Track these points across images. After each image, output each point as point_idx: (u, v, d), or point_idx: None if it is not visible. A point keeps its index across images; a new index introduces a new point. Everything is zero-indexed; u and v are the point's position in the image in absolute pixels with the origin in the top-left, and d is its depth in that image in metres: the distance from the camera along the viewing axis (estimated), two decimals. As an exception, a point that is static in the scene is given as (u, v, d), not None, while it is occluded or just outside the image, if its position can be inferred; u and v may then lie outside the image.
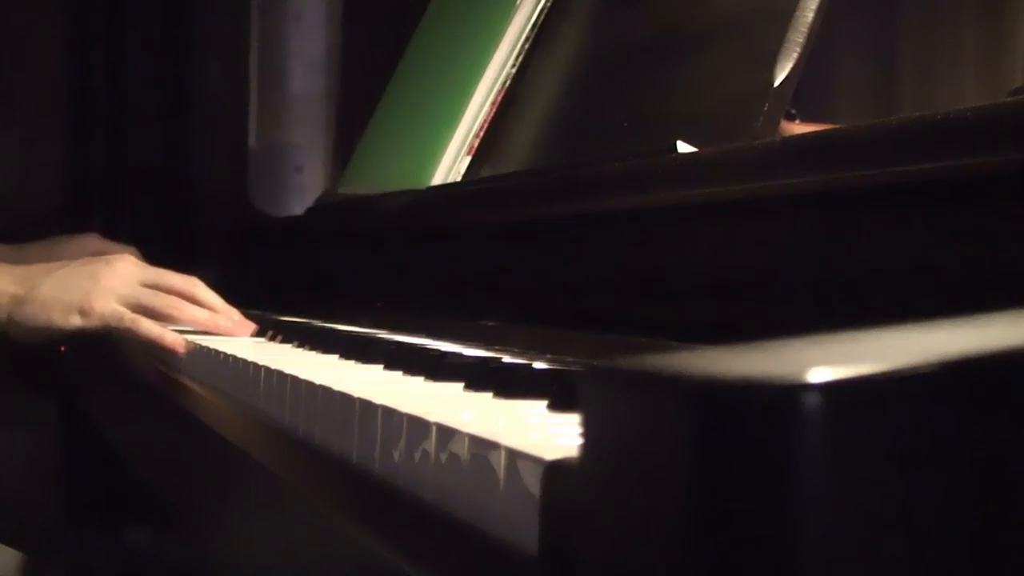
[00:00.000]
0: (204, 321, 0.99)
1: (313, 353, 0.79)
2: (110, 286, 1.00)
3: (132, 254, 1.13)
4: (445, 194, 1.00)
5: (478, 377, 0.54)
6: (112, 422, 1.37)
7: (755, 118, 0.68)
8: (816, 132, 0.58)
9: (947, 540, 0.23)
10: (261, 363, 0.65)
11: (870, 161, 0.49)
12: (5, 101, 2.00)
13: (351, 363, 0.70)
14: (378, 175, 1.17)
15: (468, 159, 1.05)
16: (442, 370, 0.59)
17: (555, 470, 0.32)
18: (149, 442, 1.12)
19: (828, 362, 0.23)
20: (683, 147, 0.68)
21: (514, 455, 0.35)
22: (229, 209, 1.96)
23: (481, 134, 1.04)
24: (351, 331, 0.90)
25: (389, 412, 0.45)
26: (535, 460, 0.33)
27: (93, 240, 1.40)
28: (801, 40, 0.69)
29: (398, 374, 0.62)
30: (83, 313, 0.99)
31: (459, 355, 0.63)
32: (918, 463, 0.23)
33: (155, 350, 0.97)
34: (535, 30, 1.04)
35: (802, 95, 0.75)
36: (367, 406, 0.47)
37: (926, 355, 0.24)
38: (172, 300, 1.00)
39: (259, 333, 0.98)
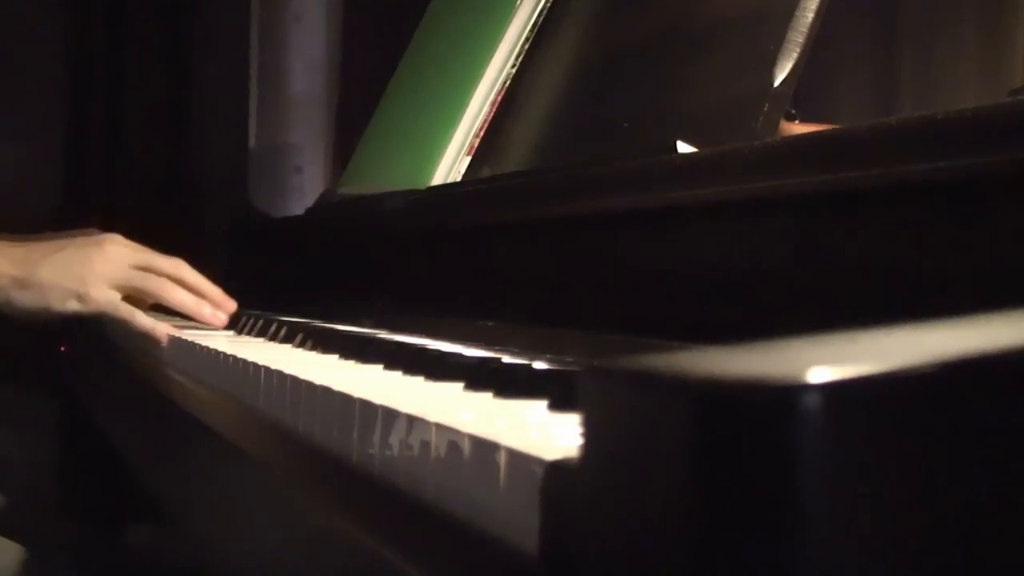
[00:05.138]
0: (190, 306, 1.07)
1: (313, 353, 0.79)
2: (103, 271, 1.06)
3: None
4: (445, 194, 1.00)
5: (478, 377, 0.54)
6: (112, 422, 1.37)
7: (755, 118, 0.68)
8: (816, 132, 0.58)
9: (947, 539, 0.23)
10: (261, 363, 0.65)
11: (870, 161, 0.49)
12: (6, 101, 2.00)
13: (351, 363, 0.70)
14: (378, 175, 1.17)
15: (468, 159, 1.05)
16: (442, 370, 0.59)
17: (555, 470, 0.32)
18: (149, 442, 1.13)
19: (828, 362, 0.23)
20: (683, 147, 0.68)
21: (514, 455, 0.35)
22: (229, 209, 1.96)
23: (481, 134, 1.04)
24: (351, 331, 0.89)
25: (389, 412, 0.45)
26: (535, 460, 0.33)
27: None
28: (801, 40, 0.69)
29: (398, 374, 0.62)
30: (80, 299, 1.05)
31: (459, 355, 0.63)
32: (918, 463, 0.23)
33: (146, 340, 1.02)
34: (535, 30, 1.04)
35: (802, 95, 0.75)
36: (367, 406, 0.47)
37: (926, 355, 0.24)
38: (162, 282, 1.07)
39: (259, 333, 0.98)
